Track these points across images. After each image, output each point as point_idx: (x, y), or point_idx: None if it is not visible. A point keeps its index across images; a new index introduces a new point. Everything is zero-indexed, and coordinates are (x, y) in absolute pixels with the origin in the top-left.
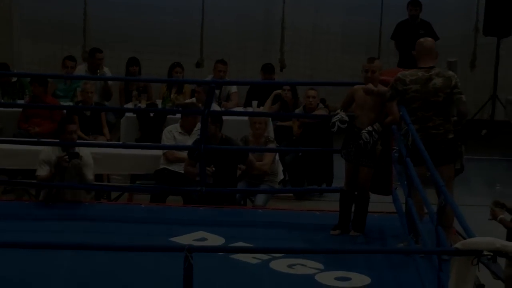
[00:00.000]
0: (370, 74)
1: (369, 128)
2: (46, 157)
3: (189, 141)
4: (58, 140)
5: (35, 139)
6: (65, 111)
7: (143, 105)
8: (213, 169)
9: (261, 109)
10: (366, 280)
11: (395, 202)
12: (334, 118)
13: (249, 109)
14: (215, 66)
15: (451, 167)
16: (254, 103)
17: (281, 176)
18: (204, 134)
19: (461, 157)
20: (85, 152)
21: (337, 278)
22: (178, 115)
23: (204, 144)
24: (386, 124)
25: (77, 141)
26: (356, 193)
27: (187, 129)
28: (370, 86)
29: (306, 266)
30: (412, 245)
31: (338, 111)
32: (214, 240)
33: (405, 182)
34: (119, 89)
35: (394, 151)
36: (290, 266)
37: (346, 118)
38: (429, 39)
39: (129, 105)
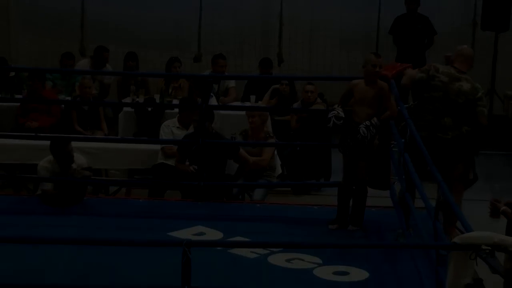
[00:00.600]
0: (377, 68)
1: (367, 122)
2: (45, 172)
3: None
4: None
5: (33, 134)
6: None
7: (141, 99)
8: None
9: (259, 103)
10: (365, 274)
11: (393, 196)
12: (330, 114)
13: (247, 104)
14: (216, 62)
15: (459, 167)
16: (252, 97)
17: (279, 171)
18: (202, 129)
19: (473, 167)
20: (82, 160)
21: (336, 273)
22: (177, 110)
23: (195, 138)
24: (384, 118)
25: (76, 135)
26: (354, 187)
27: (185, 124)
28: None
29: (304, 261)
30: (410, 239)
31: (335, 106)
32: (212, 234)
33: (403, 177)
34: (117, 84)
35: (392, 146)
36: (288, 260)
37: (342, 114)
38: (468, 48)
39: (127, 100)
